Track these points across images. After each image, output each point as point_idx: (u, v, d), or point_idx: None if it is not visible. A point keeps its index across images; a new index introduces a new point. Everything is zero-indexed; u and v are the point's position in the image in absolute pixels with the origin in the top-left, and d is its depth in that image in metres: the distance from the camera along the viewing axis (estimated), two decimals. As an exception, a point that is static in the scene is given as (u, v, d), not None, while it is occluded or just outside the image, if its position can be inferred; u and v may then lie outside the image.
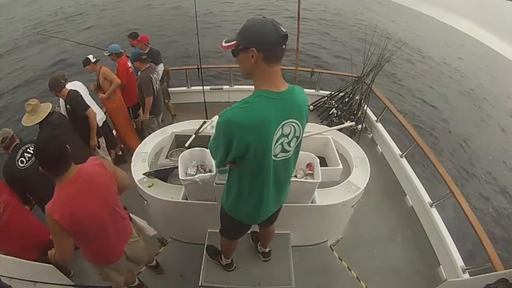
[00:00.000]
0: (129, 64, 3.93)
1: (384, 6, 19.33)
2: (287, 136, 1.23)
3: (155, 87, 3.52)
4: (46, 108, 2.50)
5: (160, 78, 4.12)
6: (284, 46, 1.10)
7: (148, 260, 2.14)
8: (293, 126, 1.23)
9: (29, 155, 2.19)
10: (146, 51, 4.04)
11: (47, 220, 1.33)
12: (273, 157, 1.24)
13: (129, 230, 1.77)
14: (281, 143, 1.23)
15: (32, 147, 2.22)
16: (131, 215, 1.91)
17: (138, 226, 1.94)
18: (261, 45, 1.07)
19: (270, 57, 1.10)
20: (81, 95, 2.91)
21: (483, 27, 17.13)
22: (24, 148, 2.21)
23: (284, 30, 1.08)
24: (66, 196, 1.35)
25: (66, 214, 1.32)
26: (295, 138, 1.27)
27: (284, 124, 1.19)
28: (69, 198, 1.35)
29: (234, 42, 1.12)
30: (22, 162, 2.16)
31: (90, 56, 3.51)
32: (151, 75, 3.45)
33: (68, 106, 2.81)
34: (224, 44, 1.15)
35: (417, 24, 17.57)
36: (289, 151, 1.29)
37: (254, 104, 1.13)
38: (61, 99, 2.94)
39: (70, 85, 2.96)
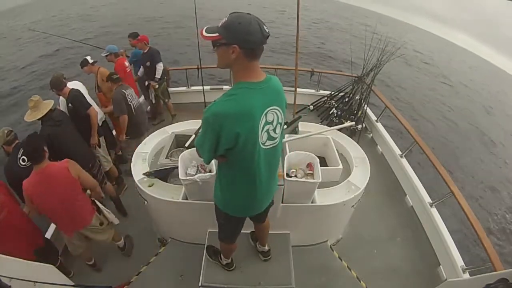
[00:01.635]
0: (127, 63, 3.93)
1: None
2: (271, 123, 1.27)
3: (131, 104, 3.15)
4: (47, 105, 2.51)
5: (159, 78, 4.13)
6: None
7: (116, 239, 2.55)
8: (275, 113, 1.27)
9: None
10: (145, 51, 4.05)
11: (24, 191, 1.92)
12: (261, 145, 1.27)
13: (86, 218, 2.20)
14: (267, 130, 1.27)
15: None
16: (99, 205, 2.34)
17: (104, 214, 2.35)
18: (244, 44, 1.09)
19: (250, 54, 1.13)
20: (82, 94, 2.92)
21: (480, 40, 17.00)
22: None
23: (267, 30, 1.10)
24: (34, 181, 1.92)
25: (32, 193, 1.93)
26: (279, 125, 1.31)
27: (267, 112, 1.23)
28: (35, 184, 1.92)
29: (217, 34, 1.11)
30: (23, 160, 2.20)
31: (88, 57, 3.49)
32: (124, 91, 3.10)
33: (70, 105, 2.81)
34: (205, 34, 1.14)
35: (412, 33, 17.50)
36: (275, 138, 1.33)
37: (239, 95, 1.16)
38: (61, 98, 2.93)
39: (71, 85, 2.95)
